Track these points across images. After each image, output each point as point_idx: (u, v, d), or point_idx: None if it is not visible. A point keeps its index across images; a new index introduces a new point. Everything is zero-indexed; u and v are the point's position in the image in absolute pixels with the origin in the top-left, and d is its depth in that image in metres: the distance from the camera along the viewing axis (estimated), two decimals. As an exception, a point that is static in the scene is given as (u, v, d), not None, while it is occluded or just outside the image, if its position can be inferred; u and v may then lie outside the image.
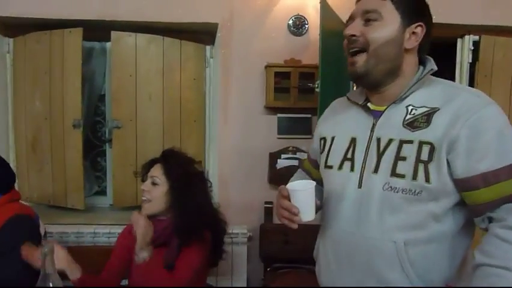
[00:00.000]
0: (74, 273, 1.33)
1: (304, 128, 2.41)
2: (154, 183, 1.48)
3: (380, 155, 0.96)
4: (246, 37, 2.33)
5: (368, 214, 0.96)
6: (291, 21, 2.34)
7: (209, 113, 2.58)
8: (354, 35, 0.98)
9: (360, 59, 0.98)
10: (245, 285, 2.28)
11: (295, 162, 2.34)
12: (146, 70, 2.38)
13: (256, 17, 2.33)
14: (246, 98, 2.37)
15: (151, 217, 1.45)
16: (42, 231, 1.62)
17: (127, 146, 2.39)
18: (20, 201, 1.61)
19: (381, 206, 0.95)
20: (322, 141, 1.14)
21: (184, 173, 1.50)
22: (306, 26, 2.35)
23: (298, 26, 2.35)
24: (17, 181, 2.46)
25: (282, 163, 2.37)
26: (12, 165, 2.50)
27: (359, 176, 0.99)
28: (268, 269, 2.28)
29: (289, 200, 1.02)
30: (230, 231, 2.12)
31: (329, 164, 1.08)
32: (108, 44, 2.45)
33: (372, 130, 1.00)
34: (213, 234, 1.53)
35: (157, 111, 2.41)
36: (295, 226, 1.02)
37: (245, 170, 2.39)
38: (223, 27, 2.32)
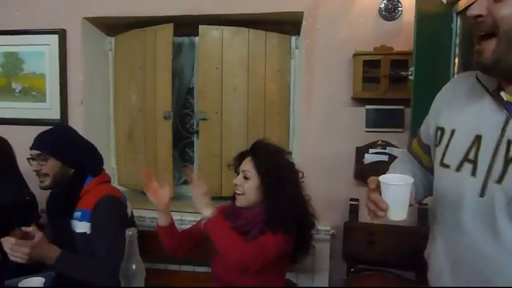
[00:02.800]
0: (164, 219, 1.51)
1: (396, 121, 2.22)
2: (245, 177, 1.50)
3: (507, 162, 0.79)
4: (332, 25, 2.22)
5: (492, 229, 0.81)
6: (382, 5, 2.16)
7: (293, 105, 2.52)
8: (479, 15, 0.79)
9: (488, 46, 0.79)
10: (327, 285, 2.19)
11: (384, 158, 2.17)
12: (231, 63, 2.40)
13: (344, 2, 2.20)
14: (331, 89, 2.26)
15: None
16: (129, 212, 1.73)
17: (212, 137, 2.44)
18: (109, 183, 1.74)
19: (509, 222, 0.79)
20: (439, 132, 0.98)
21: (275, 166, 1.49)
22: (400, 9, 2.15)
23: (390, 9, 2.16)
24: (115, 167, 2.71)
25: (369, 158, 2.21)
26: (112, 153, 2.75)
27: (481, 183, 0.83)
28: (351, 270, 2.16)
29: (380, 194, 0.91)
30: (312, 227, 2.05)
31: (445, 162, 0.93)
32: (196, 39, 2.53)
33: (504, 129, 0.82)
34: (300, 227, 1.50)
35: (241, 103, 2.43)
36: (377, 221, 0.92)
37: (329, 165, 2.28)
38: (309, 16, 2.23)
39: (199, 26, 2.36)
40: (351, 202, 2.21)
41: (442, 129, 0.97)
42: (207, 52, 2.40)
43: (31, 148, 1.61)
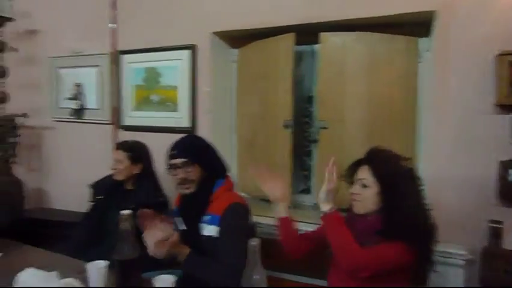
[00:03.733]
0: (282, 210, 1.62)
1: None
2: (364, 186, 1.45)
3: None
4: (471, 22, 1.97)
5: None
6: (535, -4, 1.85)
7: (421, 113, 2.31)
8: None
9: None
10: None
11: (536, 174, 1.84)
12: (353, 69, 2.31)
13: (486, -4, 1.94)
14: (468, 95, 2.01)
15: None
16: (252, 220, 1.79)
17: (332, 146, 2.38)
18: (233, 190, 1.82)
19: None
20: None
21: (393, 172, 1.43)
22: (560, -2, 1.81)
23: (546, 0, 1.84)
24: (237, 174, 2.83)
25: (517, 174, 1.90)
26: (234, 160, 2.88)
27: None
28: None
29: None
30: (443, 250, 1.84)
31: None
32: (317, 46, 2.50)
33: None
34: (421, 238, 1.39)
35: (363, 111, 2.31)
36: None
37: (465, 181, 2.02)
38: (442, 14, 2.03)
39: (320, 33, 2.33)
40: (492, 225, 1.93)
41: None
42: (328, 59, 2.35)
43: (174, 157, 1.70)
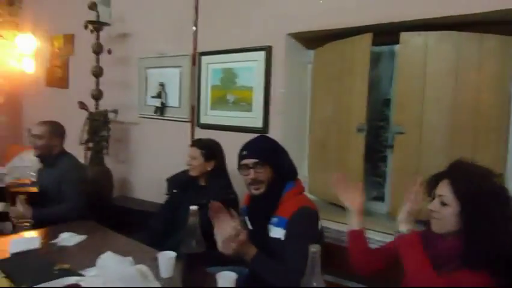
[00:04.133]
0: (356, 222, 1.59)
1: None
2: (443, 203, 1.33)
3: None
4: None
5: None
6: None
7: (514, 119, 2.08)
8: None
9: None
10: None
11: None
12: (436, 71, 2.15)
13: None
14: None
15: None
16: (320, 225, 1.75)
17: (409, 153, 2.24)
18: (304, 193, 1.80)
19: None
20: None
21: (478, 192, 1.27)
22: None
23: None
24: (307, 177, 2.81)
25: None
26: (305, 162, 2.86)
27: None
28: None
29: None
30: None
31: None
32: (396, 47, 2.38)
33: None
34: (507, 271, 1.23)
35: (445, 117, 2.15)
36: None
37: None
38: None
39: (401, 33, 2.21)
40: None
41: None
42: (408, 60, 2.23)
43: (246, 157, 1.74)
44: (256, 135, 1.91)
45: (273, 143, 1.85)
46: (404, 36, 2.22)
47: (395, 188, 2.31)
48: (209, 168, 2.31)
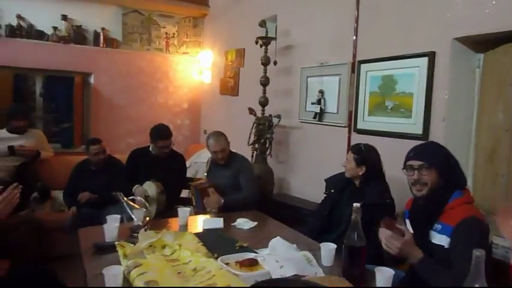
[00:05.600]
0: None
1: None
2: None
3: None
4: None
5: None
6: None
7: None
8: None
9: None
10: None
11: None
12: None
13: None
14: None
15: None
16: (490, 239, 1.67)
17: None
18: (473, 204, 1.75)
19: None
20: None
21: None
22: None
23: None
24: (472, 188, 2.65)
25: None
26: (470, 173, 2.70)
27: None
28: None
29: None
30: None
31: None
32: None
33: None
34: None
35: None
36: None
37: None
38: None
39: None
40: None
41: None
42: None
43: (412, 159, 1.80)
44: (416, 141, 1.93)
45: (442, 149, 1.85)
46: None
47: None
48: (360, 173, 2.43)
